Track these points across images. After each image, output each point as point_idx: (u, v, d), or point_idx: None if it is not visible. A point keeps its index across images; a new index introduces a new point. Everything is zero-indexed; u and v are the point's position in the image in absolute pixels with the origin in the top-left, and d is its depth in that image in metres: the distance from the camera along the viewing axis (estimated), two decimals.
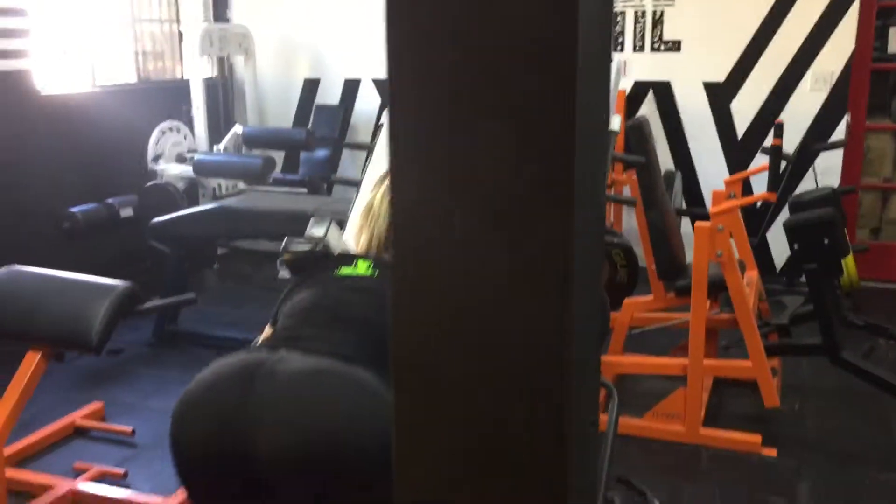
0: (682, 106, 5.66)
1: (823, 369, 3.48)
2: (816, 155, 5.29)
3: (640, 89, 5.69)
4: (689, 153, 5.69)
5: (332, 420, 1.50)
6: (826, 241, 3.08)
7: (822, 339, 3.21)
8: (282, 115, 6.62)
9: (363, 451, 1.46)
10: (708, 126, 5.62)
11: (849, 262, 4.52)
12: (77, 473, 3.08)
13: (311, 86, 6.57)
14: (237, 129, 5.77)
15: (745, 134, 5.56)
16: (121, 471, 3.07)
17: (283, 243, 1.99)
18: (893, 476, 3.09)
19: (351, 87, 6.45)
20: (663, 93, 5.67)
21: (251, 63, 6.40)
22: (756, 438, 3.26)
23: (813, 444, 3.34)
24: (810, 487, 3.03)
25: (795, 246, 3.16)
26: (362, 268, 1.89)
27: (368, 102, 6.42)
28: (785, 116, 5.43)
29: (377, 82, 6.37)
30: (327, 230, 1.99)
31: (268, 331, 1.95)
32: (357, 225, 2.03)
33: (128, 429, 3.40)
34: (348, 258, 1.94)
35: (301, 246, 2.00)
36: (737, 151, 5.58)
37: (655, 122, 5.76)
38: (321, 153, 6.12)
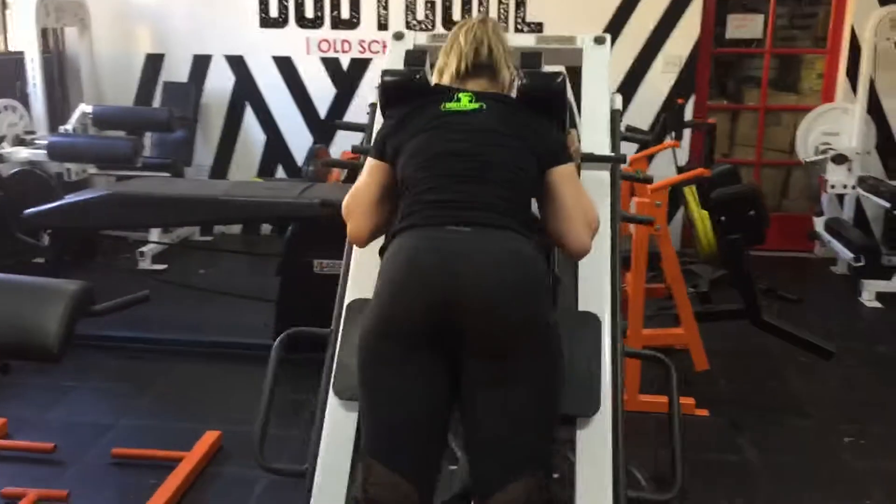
0: None
1: (715, 333, 3.77)
2: (667, 133, 5.66)
3: None
4: None
5: (508, 276, 1.67)
6: (752, 213, 3.32)
7: (745, 304, 3.46)
8: (121, 93, 6.10)
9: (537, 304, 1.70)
10: None
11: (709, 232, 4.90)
12: (10, 501, 2.71)
13: (154, 61, 6.11)
14: (84, 107, 5.25)
15: None
16: (63, 492, 2.74)
17: (382, 73, 1.97)
18: (806, 422, 3.44)
19: (201, 64, 6.06)
20: None
21: (87, 36, 5.84)
22: (690, 401, 3.47)
23: (733, 400, 3.62)
24: (749, 440, 3.28)
25: (722, 218, 3.38)
26: (465, 101, 1.88)
27: (221, 80, 6.07)
28: (639, 96, 5.77)
29: (231, 58, 6.03)
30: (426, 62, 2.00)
31: (371, 163, 1.93)
32: (440, 62, 2.04)
33: (49, 445, 3.03)
34: (447, 92, 1.92)
35: (399, 76, 1.96)
36: None
37: None
38: (176, 134, 5.71)
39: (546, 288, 1.77)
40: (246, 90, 6.08)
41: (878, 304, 4.88)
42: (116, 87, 6.10)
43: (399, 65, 2.38)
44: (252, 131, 6.15)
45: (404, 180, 1.85)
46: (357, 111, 5.98)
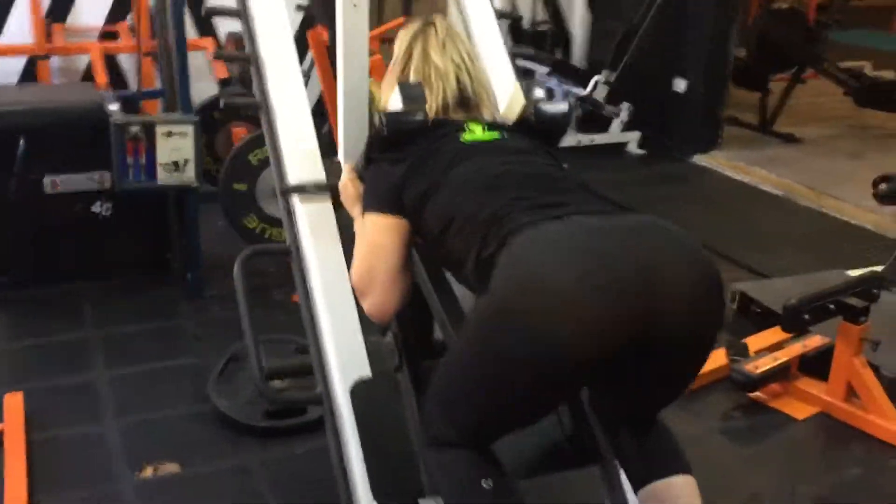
0: None
1: None
2: None
3: None
4: None
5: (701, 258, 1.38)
6: None
7: None
8: None
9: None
10: None
11: None
12: None
13: None
14: None
15: None
16: None
17: (384, 116, 1.66)
18: None
19: None
20: None
21: None
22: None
23: None
24: None
25: None
26: (480, 132, 1.64)
27: None
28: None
29: None
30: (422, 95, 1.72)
31: (384, 222, 1.60)
32: (409, 75, 1.78)
33: None
34: (452, 125, 1.67)
35: (405, 119, 1.67)
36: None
37: None
38: None
39: None
40: None
41: None
42: None
43: None
44: None
45: (455, 217, 1.49)
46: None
